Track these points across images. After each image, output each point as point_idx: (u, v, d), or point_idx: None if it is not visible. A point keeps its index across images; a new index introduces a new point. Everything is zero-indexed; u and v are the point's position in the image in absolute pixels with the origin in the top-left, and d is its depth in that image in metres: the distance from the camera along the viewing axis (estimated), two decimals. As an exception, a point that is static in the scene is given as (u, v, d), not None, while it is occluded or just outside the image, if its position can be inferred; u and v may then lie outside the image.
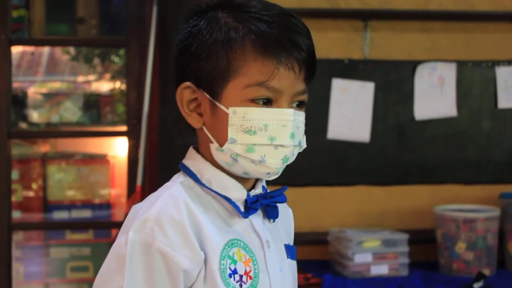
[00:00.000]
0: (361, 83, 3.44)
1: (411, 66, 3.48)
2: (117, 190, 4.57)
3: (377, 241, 3.12)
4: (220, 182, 1.25)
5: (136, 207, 1.23)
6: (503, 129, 3.58)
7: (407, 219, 3.49)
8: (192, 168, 1.27)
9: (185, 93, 1.25)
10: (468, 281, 2.98)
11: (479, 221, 3.14)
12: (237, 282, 1.20)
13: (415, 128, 3.50)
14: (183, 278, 1.15)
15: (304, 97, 1.26)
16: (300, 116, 1.25)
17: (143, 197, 3.16)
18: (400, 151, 3.50)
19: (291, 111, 1.22)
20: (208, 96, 1.23)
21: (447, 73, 3.50)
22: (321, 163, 3.43)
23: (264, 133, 1.20)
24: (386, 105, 3.48)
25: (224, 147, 1.21)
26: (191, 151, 1.31)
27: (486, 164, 3.56)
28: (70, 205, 4.49)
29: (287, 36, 1.20)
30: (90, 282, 4.33)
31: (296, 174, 3.34)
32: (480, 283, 2.93)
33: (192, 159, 1.29)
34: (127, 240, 1.16)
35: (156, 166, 3.22)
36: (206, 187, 1.25)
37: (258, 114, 1.19)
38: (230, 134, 1.20)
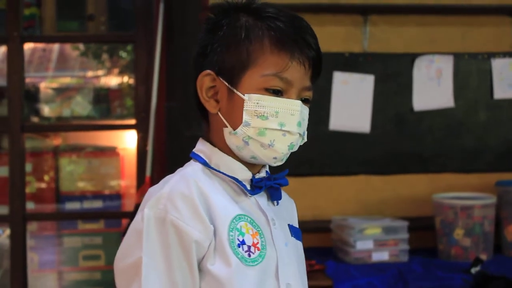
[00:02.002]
0: (361, 76, 3.49)
1: (410, 58, 3.53)
2: (127, 181, 4.59)
3: (378, 228, 3.16)
4: (227, 165, 1.37)
5: (151, 189, 1.34)
6: (498, 119, 3.61)
7: (407, 207, 3.53)
8: (201, 155, 1.39)
9: (205, 80, 1.37)
10: (466, 266, 3.03)
11: (476, 208, 3.18)
12: (245, 252, 1.29)
13: (414, 119, 3.55)
14: (195, 248, 1.25)
15: (310, 94, 1.38)
16: (305, 110, 1.37)
17: (152, 187, 3.22)
18: (399, 141, 3.55)
19: (299, 102, 1.34)
20: (226, 83, 1.35)
21: (444, 65, 3.54)
22: (323, 153, 3.48)
23: (275, 119, 1.32)
24: (386, 97, 3.53)
25: (238, 129, 1.33)
26: (200, 141, 1.43)
27: (482, 153, 3.60)
28: (82, 196, 4.50)
29: (301, 35, 1.34)
30: (102, 270, 4.35)
31: (299, 164, 3.39)
32: (477, 268, 2.98)
33: (202, 147, 1.40)
34: (143, 216, 1.27)
35: (165, 157, 3.26)
36: (215, 169, 1.36)
37: (271, 102, 1.32)
38: (245, 117, 1.32)
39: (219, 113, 1.37)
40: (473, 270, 2.98)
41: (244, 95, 1.33)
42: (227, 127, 1.35)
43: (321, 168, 3.52)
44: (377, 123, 3.53)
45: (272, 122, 1.32)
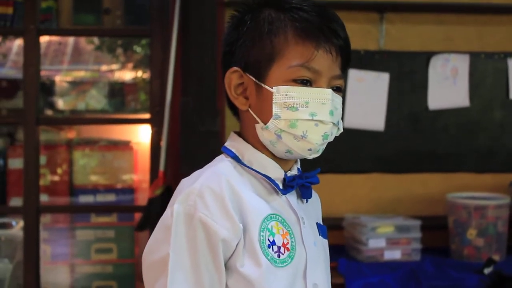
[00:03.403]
0: (376, 74, 3.49)
1: (425, 57, 3.52)
2: (140, 175, 4.59)
3: (390, 227, 3.16)
4: (260, 162, 1.35)
5: (182, 182, 1.33)
6: (514, 119, 3.59)
7: (420, 206, 3.53)
8: (233, 150, 1.37)
9: (233, 77, 1.36)
10: (478, 266, 3.03)
11: (489, 209, 3.17)
12: (275, 252, 1.28)
13: (429, 118, 3.54)
14: (222, 247, 1.24)
15: (341, 82, 1.36)
16: (338, 98, 1.34)
17: (165, 182, 3.23)
18: (414, 139, 3.55)
19: (329, 90, 1.31)
20: (253, 78, 1.33)
21: (460, 64, 3.53)
22: (337, 151, 3.46)
23: (305, 109, 1.29)
24: (401, 95, 3.52)
25: (269, 123, 1.30)
26: (233, 135, 1.41)
27: (497, 153, 3.59)
28: (95, 190, 4.51)
29: (326, 23, 1.32)
30: (114, 263, 4.36)
31: (313, 162, 3.40)
32: (490, 268, 2.97)
33: (234, 142, 1.39)
34: (172, 211, 1.26)
35: (178, 152, 3.23)
36: (247, 166, 1.34)
37: (300, 92, 1.29)
38: (275, 110, 1.30)
39: (249, 109, 1.35)
40: (486, 270, 2.98)
41: (272, 88, 1.31)
42: (258, 123, 1.33)
43: (335, 166, 3.51)
44: (392, 121, 3.52)
45: (302, 112, 1.29)
